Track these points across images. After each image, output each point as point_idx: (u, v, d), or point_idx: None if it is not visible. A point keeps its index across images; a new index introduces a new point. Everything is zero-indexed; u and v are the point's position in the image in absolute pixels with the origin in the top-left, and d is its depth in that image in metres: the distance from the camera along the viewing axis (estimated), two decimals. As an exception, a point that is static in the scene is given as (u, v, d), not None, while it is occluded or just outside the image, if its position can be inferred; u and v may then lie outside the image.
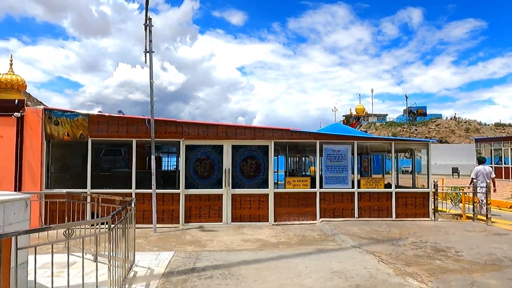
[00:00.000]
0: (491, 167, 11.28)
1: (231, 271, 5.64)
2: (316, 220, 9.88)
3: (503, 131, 55.02)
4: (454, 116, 61.13)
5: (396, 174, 13.01)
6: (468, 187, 10.80)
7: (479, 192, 10.29)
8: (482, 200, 10.19)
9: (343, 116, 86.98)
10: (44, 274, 5.29)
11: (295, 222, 9.80)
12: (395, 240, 7.72)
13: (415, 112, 62.35)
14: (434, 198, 10.00)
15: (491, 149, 29.18)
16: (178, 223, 9.56)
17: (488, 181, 10.57)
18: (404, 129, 60.93)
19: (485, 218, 9.70)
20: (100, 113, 9.58)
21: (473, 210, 10.12)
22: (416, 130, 59.05)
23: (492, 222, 9.72)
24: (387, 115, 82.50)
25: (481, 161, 11.49)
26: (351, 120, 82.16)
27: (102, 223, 5.55)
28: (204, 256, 6.55)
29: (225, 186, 9.73)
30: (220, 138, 9.78)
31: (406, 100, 63.66)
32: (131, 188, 9.50)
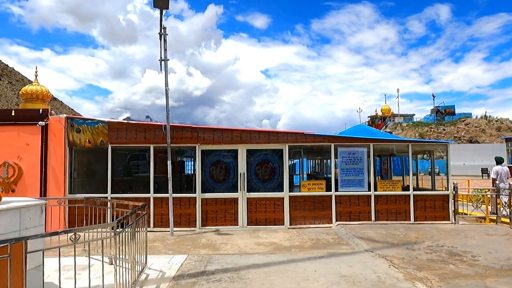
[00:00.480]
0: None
1: (240, 274, 5.73)
2: (332, 223, 9.83)
3: (538, 129, 52.65)
4: (485, 115, 58.92)
5: (416, 176, 12.78)
6: (493, 189, 10.53)
7: (502, 195, 9.97)
8: (505, 203, 9.88)
9: (368, 117, 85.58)
10: (62, 276, 5.53)
11: (311, 226, 9.79)
12: (410, 244, 7.59)
13: (443, 111, 60.58)
14: (454, 201, 9.75)
15: (523, 149, 28.00)
16: (195, 226, 9.74)
17: (506, 182, 10.51)
18: (432, 129, 59.29)
19: (508, 220, 9.37)
20: (119, 121, 9.91)
21: (496, 213, 9.79)
22: (444, 130, 57.33)
23: (516, 225, 9.37)
24: (414, 115, 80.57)
25: (499, 161, 11.41)
26: (377, 121, 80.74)
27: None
28: (215, 259, 6.67)
29: (240, 190, 9.85)
30: (235, 143, 9.91)
31: (433, 99, 62.00)
32: (150, 193, 9.76)
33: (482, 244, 7.43)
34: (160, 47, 9.28)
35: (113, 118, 10.56)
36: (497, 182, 10.39)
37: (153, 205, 9.75)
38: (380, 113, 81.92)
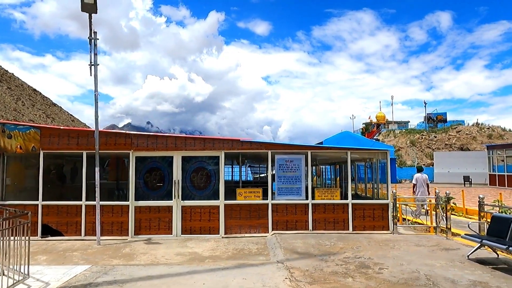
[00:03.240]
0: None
1: (124, 287, 5.49)
2: (268, 232, 9.57)
3: (529, 136, 52.30)
4: (476, 122, 58.71)
5: (365, 184, 12.53)
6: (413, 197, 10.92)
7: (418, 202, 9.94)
8: (420, 206, 11.68)
9: (363, 123, 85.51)
10: None
11: (246, 235, 9.53)
12: (329, 255, 7.33)
13: (435, 118, 60.38)
14: (393, 210, 9.49)
15: (504, 156, 27.65)
16: (128, 235, 9.50)
17: (424, 187, 12.36)
18: (423, 136, 59.02)
19: (447, 229, 9.10)
20: (51, 126, 9.73)
21: (436, 222, 9.51)
22: (436, 137, 57.04)
23: (453, 235, 9.11)
24: (409, 122, 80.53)
25: (419, 169, 13.00)
26: (371, 127, 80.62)
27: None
28: (115, 270, 6.42)
29: (175, 197, 9.61)
30: (170, 149, 9.70)
31: (425, 106, 61.86)
32: (82, 200, 9.53)
33: (401, 256, 7.16)
34: (90, 52, 9.12)
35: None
36: (422, 189, 11.35)
37: (84, 212, 9.54)
38: (374, 120, 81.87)
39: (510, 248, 5.80)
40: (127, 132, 9.78)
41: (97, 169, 9.00)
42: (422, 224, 10.60)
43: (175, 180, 9.64)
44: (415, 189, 12.58)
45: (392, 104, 79.57)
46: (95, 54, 9.12)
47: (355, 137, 39.27)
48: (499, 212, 8.43)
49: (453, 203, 14.81)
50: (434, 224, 9.82)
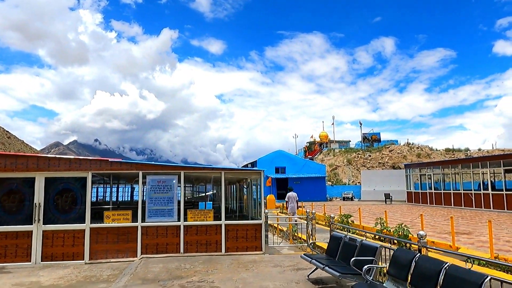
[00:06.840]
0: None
1: None
2: (136, 256, 9.17)
3: (453, 155, 56.16)
4: (407, 142, 62.22)
5: (250, 203, 12.51)
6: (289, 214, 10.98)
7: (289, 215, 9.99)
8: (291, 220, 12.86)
9: (307, 142, 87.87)
10: None
11: (112, 260, 9.06)
12: (175, 279, 7.09)
13: (370, 138, 63.27)
14: (265, 230, 9.49)
15: (419, 174, 29.30)
16: (-22, 265, 8.68)
17: (294, 204, 14.72)
18: (359, 155, 61.50)
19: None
20: None
21: (307, 239, 9.63)
22: (370, 156, 59.62)
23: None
24: (350, 141, 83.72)
25: (290, 189, 15.46)
26: (313, 146, 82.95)
27: None
28: None
29: (35, 222, 8.97)
30: (31, 170, 9.09)
31: (361, 126, 64.68)
32: None
33: (246, 278, 7.07)
34: None
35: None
36: (290, 205, 14.34)
37: None
38: (318, 139, 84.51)
39: (325, 268, 5.89)
40: (-18, 151, 9.06)
41: None
42: (304, 240, 10.71)
43: (36, 203, 9.02)
44: (287, 205, 14.98)
45: (333, 124, 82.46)
46: None
47: (288, 156, 40.01)
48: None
49: (351, 220, 15.38)
50: (310, 241, 9.93)
